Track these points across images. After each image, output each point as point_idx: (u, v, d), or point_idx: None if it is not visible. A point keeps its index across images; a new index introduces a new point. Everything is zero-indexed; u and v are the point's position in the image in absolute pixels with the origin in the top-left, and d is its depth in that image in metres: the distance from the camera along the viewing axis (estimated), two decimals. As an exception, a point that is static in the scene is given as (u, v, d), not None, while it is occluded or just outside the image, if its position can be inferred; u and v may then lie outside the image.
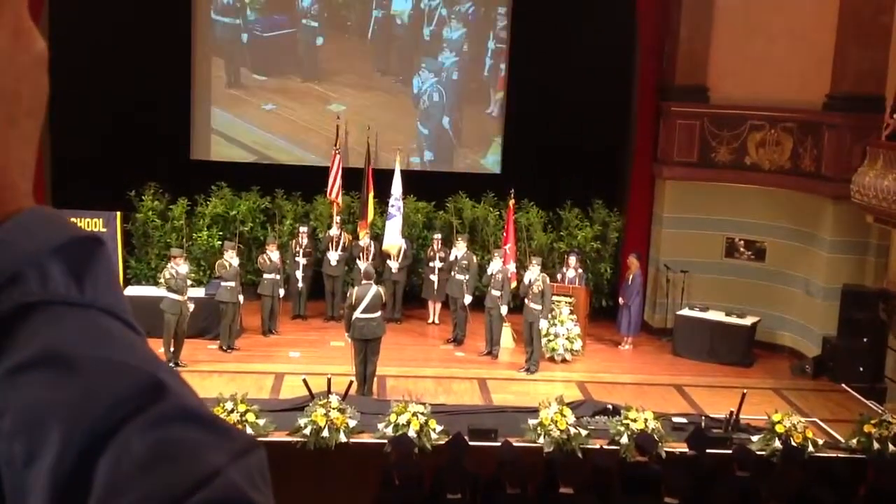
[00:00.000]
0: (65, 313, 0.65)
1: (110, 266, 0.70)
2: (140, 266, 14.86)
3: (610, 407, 11.22)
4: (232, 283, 12.99)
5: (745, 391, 11.16)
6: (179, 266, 12.48)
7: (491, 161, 16.49)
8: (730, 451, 9.96)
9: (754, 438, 10.51)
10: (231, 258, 13.08)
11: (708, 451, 9.82)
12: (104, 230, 13.96)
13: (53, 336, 0.64)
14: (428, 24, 16.08)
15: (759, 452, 10.11)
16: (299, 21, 15.99)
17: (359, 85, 16.12)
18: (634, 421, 10.26)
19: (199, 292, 13.43)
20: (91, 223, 13.94)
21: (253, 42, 16.01)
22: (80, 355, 0.63)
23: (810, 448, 10.35)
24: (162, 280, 12.57)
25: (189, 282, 12.81)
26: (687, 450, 9.92)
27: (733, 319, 14.10)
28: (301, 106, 16.15)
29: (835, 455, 10.51)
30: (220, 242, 14.38)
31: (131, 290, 13.84)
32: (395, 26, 16.08)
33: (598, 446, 10.15)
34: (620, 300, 14.52)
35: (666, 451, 10.05)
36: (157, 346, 12.29)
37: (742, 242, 15.01)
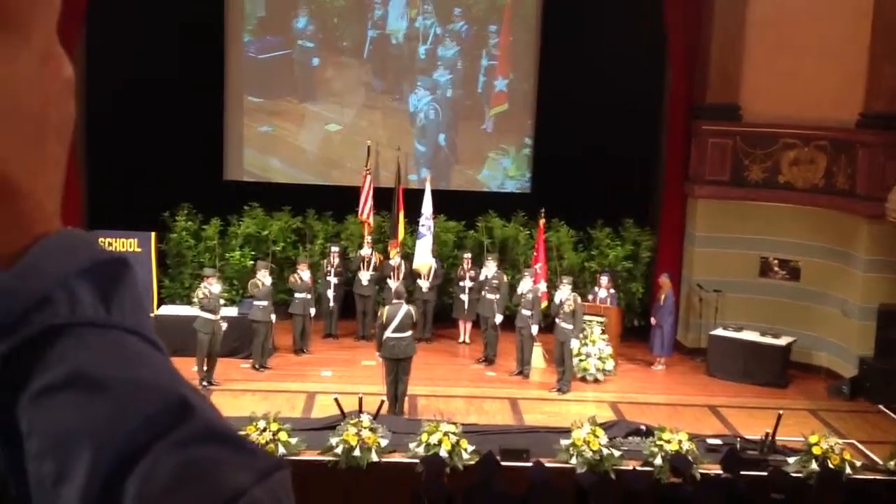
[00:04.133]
0: (92, 335, 0.66)
1: (136, 287, 0.71)
2: (174, 285, 14.99)
3: (643, 428, 11.12)
4: (265, 303, 13.06)
5: (780, 412, 11.02)
6: (212, 286, 12.58)
7: (486, 175, 16.53)
8: (765, 474, 9.84)
9: (790, 460, 10.37)
10: (264, 277, 13.16)
11: (743, 473, 9.70)
12: (139, 250, 14.11)
13: (81, 358, 0.64)
14: (423, 43, 16.22)
15: (795, 475, 9.98)
16: (295, 42, 16.12)
17: (355, 104, 16.28)
18: (668, 442, 10.17)
19: (232, 312, 13.50)
20: (126, 243, 14.09)
21: (247, 64, 16.16)
22: (107, 376, 0.64)
23: (848, 470, 10.20)
24: (195, 300, 12.66)
25: (222, 301, 12.89)
26: (721, 472, 9.81)
27: (768, 339, 13.94)
28: (298, 127, 16.29)
29: (873, 477, 10.35)
30: (252, 262, 14.47)
31: (165, 310, 13.96)
32: (391, 45, 16.21)
33: (631, 468, 10.07)
34: (652, 320, 14.41)
35: (700, 473, 9.93)
36: (191, 365, 12.39)
37: (776, 262, 14.85)
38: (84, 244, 0.70)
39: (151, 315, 13.64)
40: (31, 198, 0.69)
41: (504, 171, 16.65)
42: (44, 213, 0.70)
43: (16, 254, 0.67)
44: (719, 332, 14.24)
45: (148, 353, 0.68)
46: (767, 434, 10.74)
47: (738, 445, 10.66)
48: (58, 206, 0.72)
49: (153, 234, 14.46)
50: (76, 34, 14.13)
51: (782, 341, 13.94)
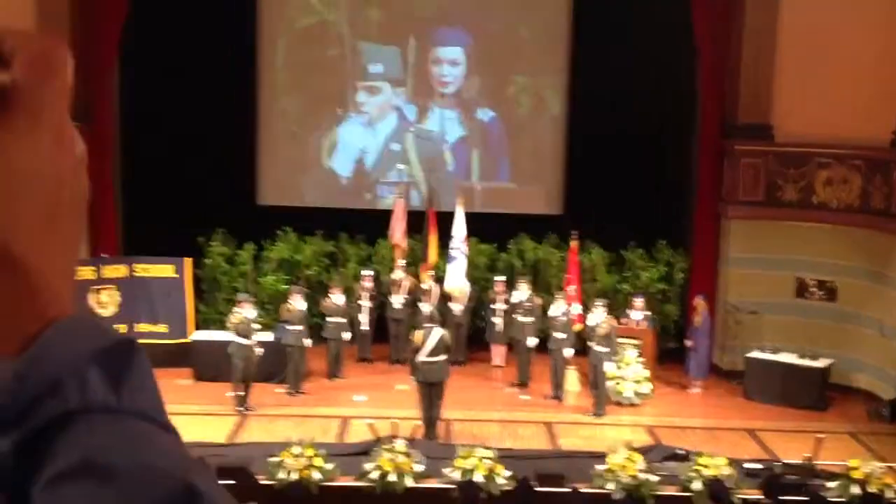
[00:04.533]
0: (102, 421, 0.67)
1: (146, 369, 0.72)
2: (209, 311, 15.05)
3: (681, 452, 11.00)
4: (298, 327, 13.09)
5: (821, 436, 10.86)
6: (245, 310, 12.64)
7: (518, 197, 16.46)
8: (806, 499, 9.70)
9: (831, 485, 10.21)
10: (297, 302, 13.19)
11: (783, 498, 9.57)
12: (176, 276, 14.20)
13: (92, 445, 0.65)
14: (453, 66, 16.34)
15: (836, 499, 9.82)
16: (327, 67, 16.20)
17: (388, 128, 16.40)
18: (706, 467, 10.05)
19: (267, 336, 13.51)
20: (162, 269, 14.20)
21: (281, 89, 16.27)
22: (116, 463, 0.65)
23: (889, 495, 10.02)
24: (229, 324, 12.72)
25: (256, 326, 12.94)
26: (762, 497, 9.67)
27: (806, 361, 13.75)
28: (330, 151, 16.41)
29: (916, 502, 10.16)
30: (285, 286, 14.52)
31: (200, 335, 14.04)
32: (423, 69, 16.31)
33: (669, 493, 9.95)
34: (688, 343, 14.28)
35: (740, 499, 9.80)
36: (226, 390, 12.46)
37: (813, 282, 14.68)
38: (94, 328, 0.71)
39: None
40: (41, 277, 0.70)
41: (536, 192, 16.63)
42: (55, 294, 0.71)
43: (30, 337, 0.68)
44: (756, 354, 14.08)
45: (158, 437, 0.69)
46: (807, 458, 10.59)
47: (778, 470, 10.52)
48: (71, 287, 0.72)
49: (188, 260, 14.53)
50: (112, 61, 14.35)
51: (820, 363, 13.75)
